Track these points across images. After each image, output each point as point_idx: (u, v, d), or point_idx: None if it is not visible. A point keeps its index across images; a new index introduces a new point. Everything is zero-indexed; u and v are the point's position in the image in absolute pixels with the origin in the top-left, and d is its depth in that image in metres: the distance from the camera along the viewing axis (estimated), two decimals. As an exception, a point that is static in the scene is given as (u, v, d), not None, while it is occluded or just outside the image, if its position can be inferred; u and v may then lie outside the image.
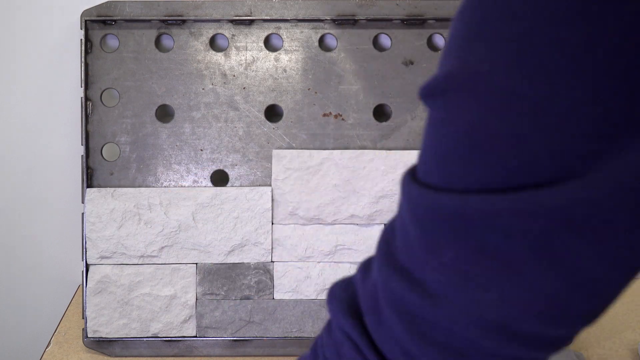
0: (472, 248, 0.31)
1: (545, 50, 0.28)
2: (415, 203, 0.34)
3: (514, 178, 0.30)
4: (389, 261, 0.36)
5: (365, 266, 0.40)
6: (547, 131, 0.28)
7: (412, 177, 0.35)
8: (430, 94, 0.33)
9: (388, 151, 0.87)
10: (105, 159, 0.87)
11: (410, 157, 0.86)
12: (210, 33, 0.88)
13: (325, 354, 0.41)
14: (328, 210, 0.87)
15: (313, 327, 0.88)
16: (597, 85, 0.27)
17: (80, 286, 0.95)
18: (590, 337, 0.91)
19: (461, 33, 0.32)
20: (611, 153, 0.28)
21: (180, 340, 0.88)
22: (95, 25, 0.88)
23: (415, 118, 0.88)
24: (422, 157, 0.35)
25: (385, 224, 0.38)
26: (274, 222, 0.88)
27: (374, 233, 0.87)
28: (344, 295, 0.41)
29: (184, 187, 0.87)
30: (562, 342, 0.34)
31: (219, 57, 0.88)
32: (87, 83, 0.87)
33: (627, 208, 0.28)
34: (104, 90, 0.88)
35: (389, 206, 0.87)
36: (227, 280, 0.87)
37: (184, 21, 0.87)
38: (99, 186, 0.87)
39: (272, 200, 0.87)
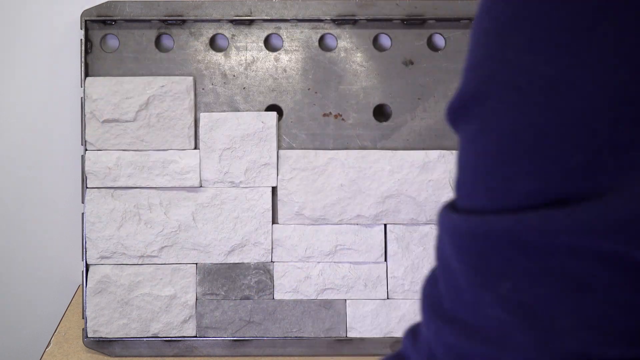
0: (533, 274, 0.27)
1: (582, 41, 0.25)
2: (459, 233, 0.30)
3: (571, 187, 0.26)
4: (436, 314, 0.32)
5: (412, 331, 0.36)
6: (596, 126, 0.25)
7: (450, 208, 0.31)
8: (462, 109, 0.30)
9: (394, 151, 0.87)
10: (105, 159, 0.87)
11: (417, 158, 0.86)
12: (210, 33, 0.88)
13: None
14: (334, 211, 0.87)
15: (313, 327, 0.88)
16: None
17: (80, 286, 0.95)
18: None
19: (487, 37, 0.29)
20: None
21: (180, 340, 0.88)
22: (95, 25, 0.88)
23: (415, 118, 0.88)
24: (459, 183, 0.31)
25: (425, 278, 0.34)
26: (280, 222, 0.88)
27: (375, 233, 0.87)
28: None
29: (184, 187, 0.87)
30: None
31: (219, 57, 0.88)
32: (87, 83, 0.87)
33: None
34: (104, 90, 0.88)
35: (395, 206, 0.87)
36: (227, 280, 0.87)
37: (184, 21, 0.87)
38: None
39: (278, 200, 0.87)
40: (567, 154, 0.26)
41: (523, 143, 0.27)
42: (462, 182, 0.31)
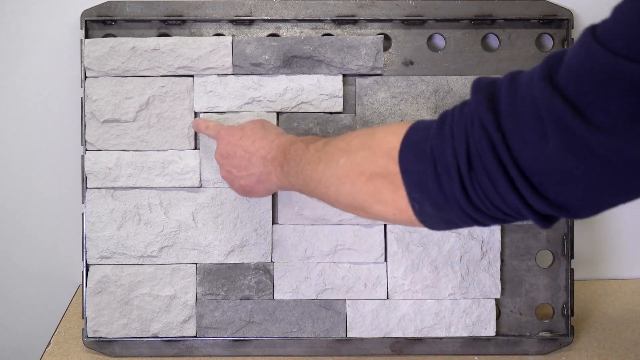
0: None
1: None
2: (594, 60, 0.40)
3: None
4: (553, 86, 0.42)
5: (513, 77, 0.46)
6: None
7: (593, 34, 0.41)
8: None
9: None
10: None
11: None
12: (210, 33, 0.88)
13: (453, 128, 0.48)
14: (334, 210, 0.86)
15: (313, 327, 0.88)
16: None
17: (80, 286, 0.95)
18: (590, 337, 0.91)
19: None
20: None
21: (180, 340, 0.88)
22: (95, 25, 0.88)
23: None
24: (611, 24, 0.40)
25: (550, 55, 0.45)
26: (280, 222, 0.88)
27: (374, 233, 0.87)
28: (488, 91, 0.47)
29: (184, 187, 0.87)
30: None
31: (219, 57, 0.88)
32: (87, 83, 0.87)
33: None
34: (104, 90, 0.88)
35: (389, 206, 0.86)
36: (227, 281, 0.87)
37: (184, 21, 0.87)
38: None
39: (278, 200, 0.87)
40: None
41: None
42: (615, 26, 0.40)
